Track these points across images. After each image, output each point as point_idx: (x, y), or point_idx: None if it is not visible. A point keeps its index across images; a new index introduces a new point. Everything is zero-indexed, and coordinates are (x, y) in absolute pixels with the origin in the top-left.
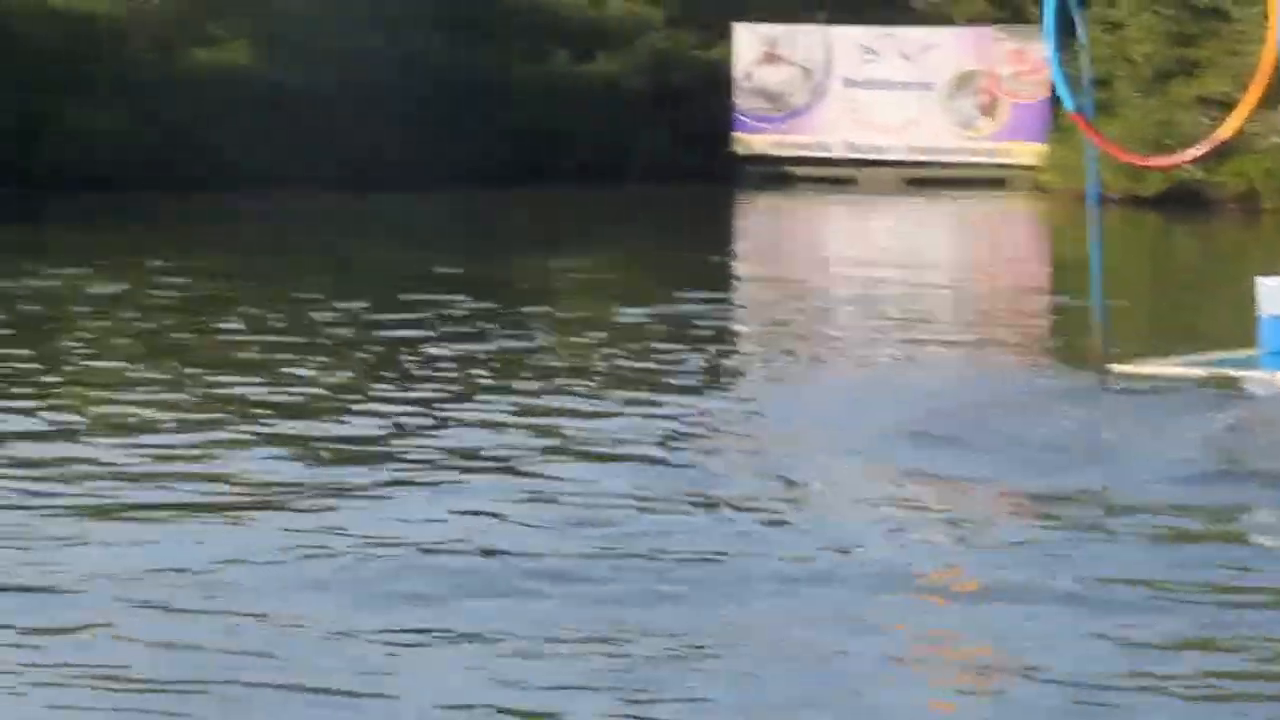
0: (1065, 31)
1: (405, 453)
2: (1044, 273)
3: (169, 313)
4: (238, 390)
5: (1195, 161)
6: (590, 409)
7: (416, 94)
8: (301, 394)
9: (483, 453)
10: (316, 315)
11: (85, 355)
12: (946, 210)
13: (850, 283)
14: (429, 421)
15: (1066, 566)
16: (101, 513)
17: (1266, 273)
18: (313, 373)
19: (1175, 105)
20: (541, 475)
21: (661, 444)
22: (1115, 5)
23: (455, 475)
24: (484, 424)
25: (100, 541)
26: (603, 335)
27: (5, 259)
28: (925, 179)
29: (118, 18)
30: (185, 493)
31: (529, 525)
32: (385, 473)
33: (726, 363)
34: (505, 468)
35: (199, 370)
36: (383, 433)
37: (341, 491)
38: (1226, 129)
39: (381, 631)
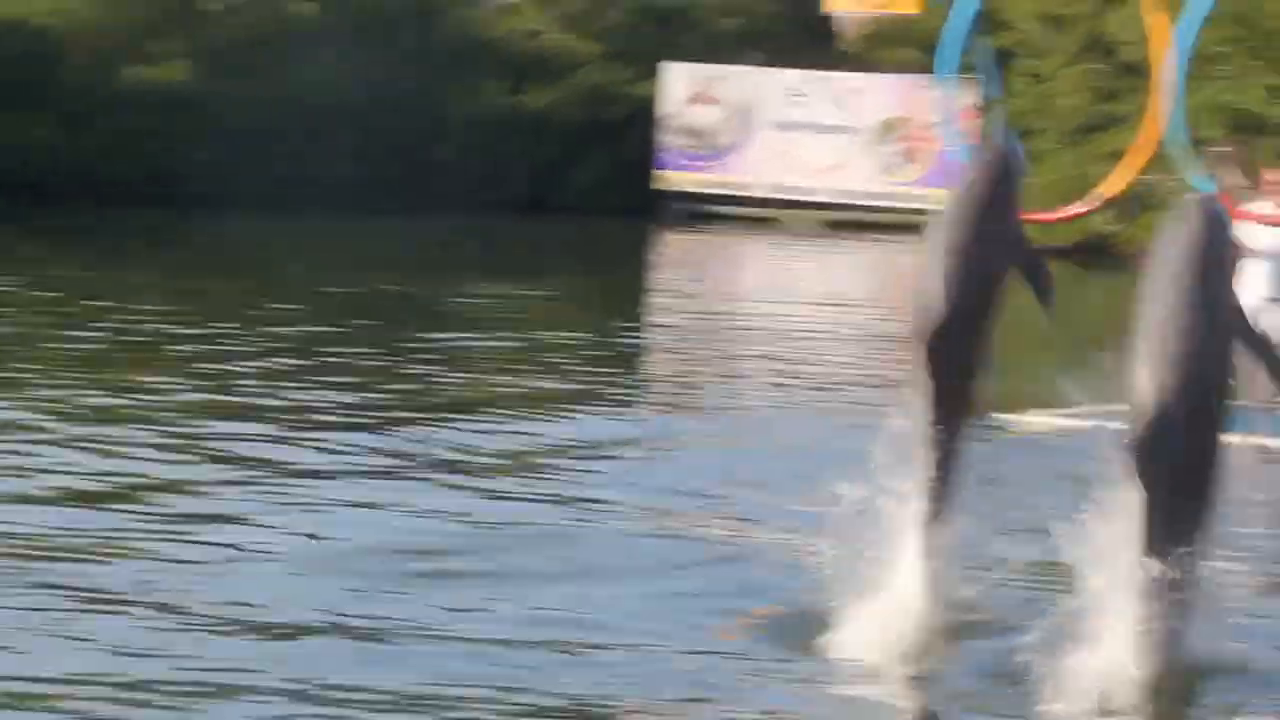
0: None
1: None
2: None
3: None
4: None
5: (1076, 217)
6: (475, 429)
7: (350, 120)
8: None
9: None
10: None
11: None
12: (866, 253)
13: (760, 320)
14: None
15: None
16: None
17: None
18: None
19: (1093, 158)
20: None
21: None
22: (1043, 58)
23: (293, 487)
24: (319, 447)
25: None
26: (510, 361)
27: None
28: (847, 222)
29: (56, 29)
30: None
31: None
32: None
33: (616, 391)
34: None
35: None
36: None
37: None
38: (1109, 187)
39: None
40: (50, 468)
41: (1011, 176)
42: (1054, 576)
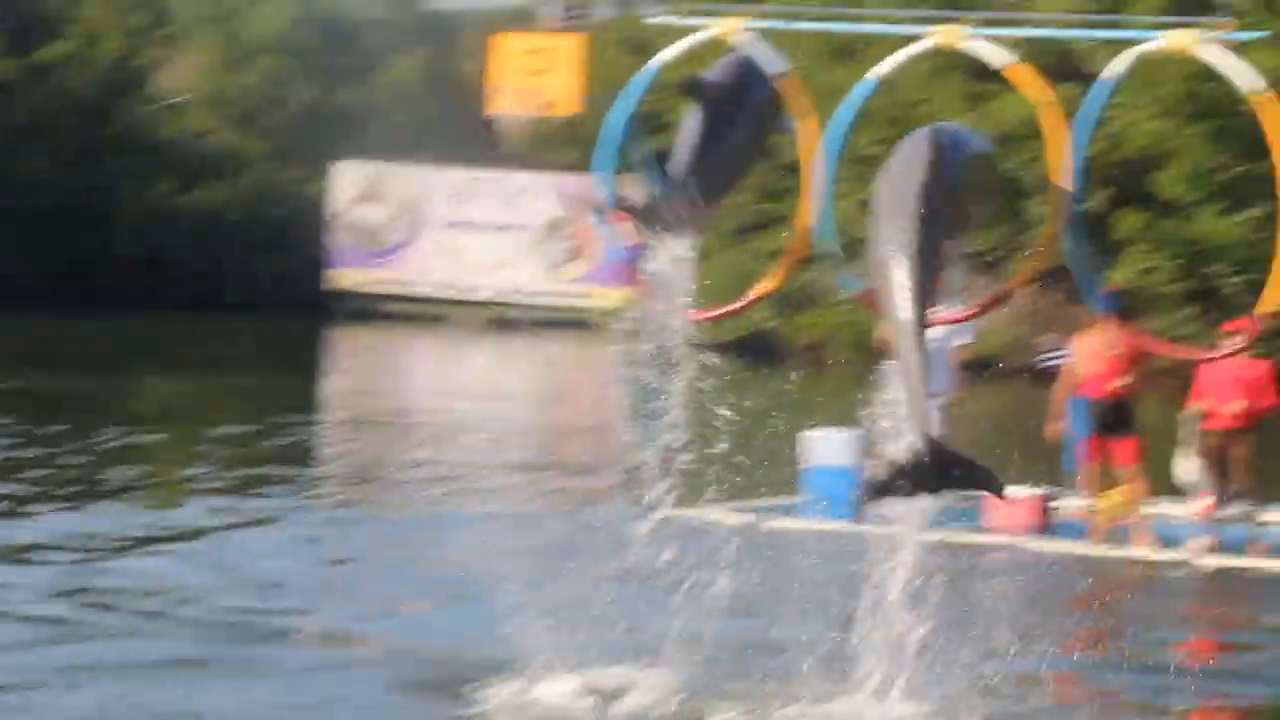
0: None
1: None
2: (612, 412)
3: None
4: None
5: (736, 313)
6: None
7: (18, 215)
8: None
9: None
10: None
11: None
12: (531, 350)
13: (423, 415)
14: None
15: None
16: None
17: (830, 424)
18: None
19: (758, 256)
20: None
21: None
22: None
23: None
24: None
25: None
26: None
27: None
28: (513, 319)
29: None
30: None
31: None
32: None
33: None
34: None
35: None
36: None
37: None
38: (761, 288)
39: None
40: None
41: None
42: None
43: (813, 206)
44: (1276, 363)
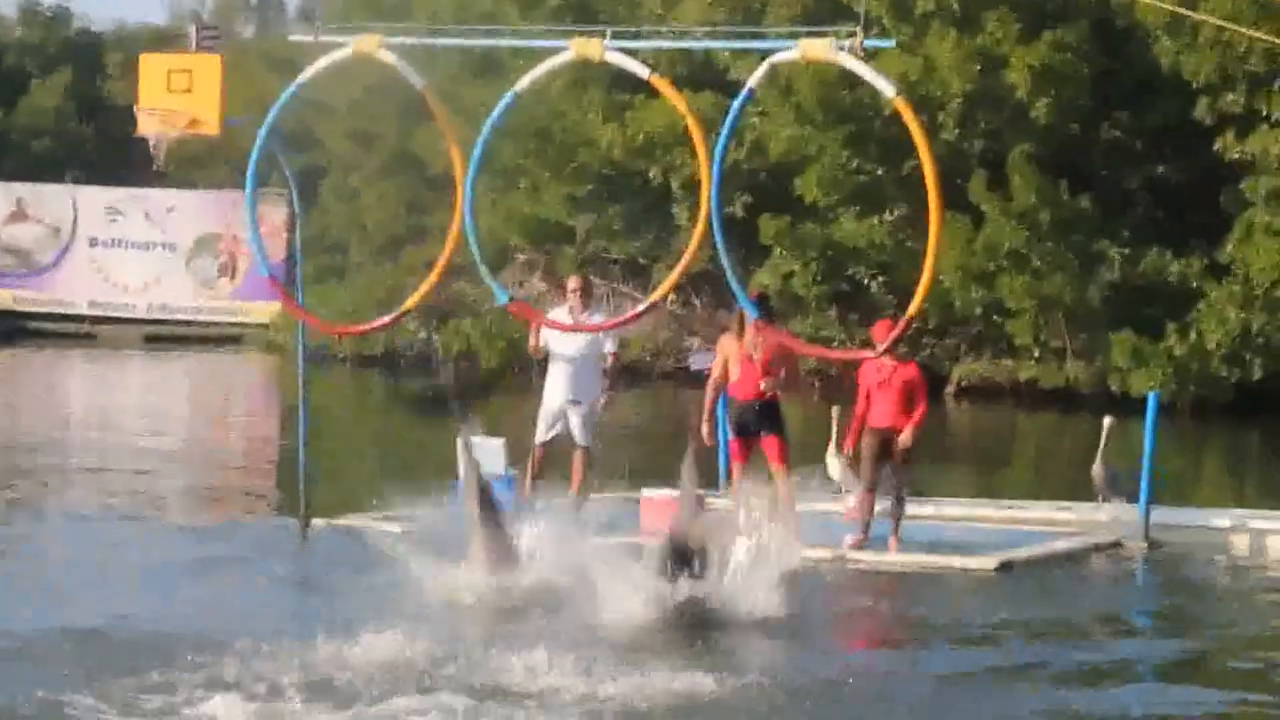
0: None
1: None
2: (265, 427)
3: None
4: None
5: (384, 327)
6: None
7: None
8: None
9: None
10: None
11: None
12: (184, 367)
13: (75, 437)
14: None
15: None
16: None
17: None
18: None
19: (404, 270)
20: None
21: None
22: (350, 175)
23: None
24: None
25: None
26: None
27: None
28: (165, 336)
29: None
30: None
31: None
32: None
33: None
34: None
35: None
36: None
37: None
38: (415, 298)
39: None
40: None
41: None
42: None
43: (462, 218)
44: (922, 363)
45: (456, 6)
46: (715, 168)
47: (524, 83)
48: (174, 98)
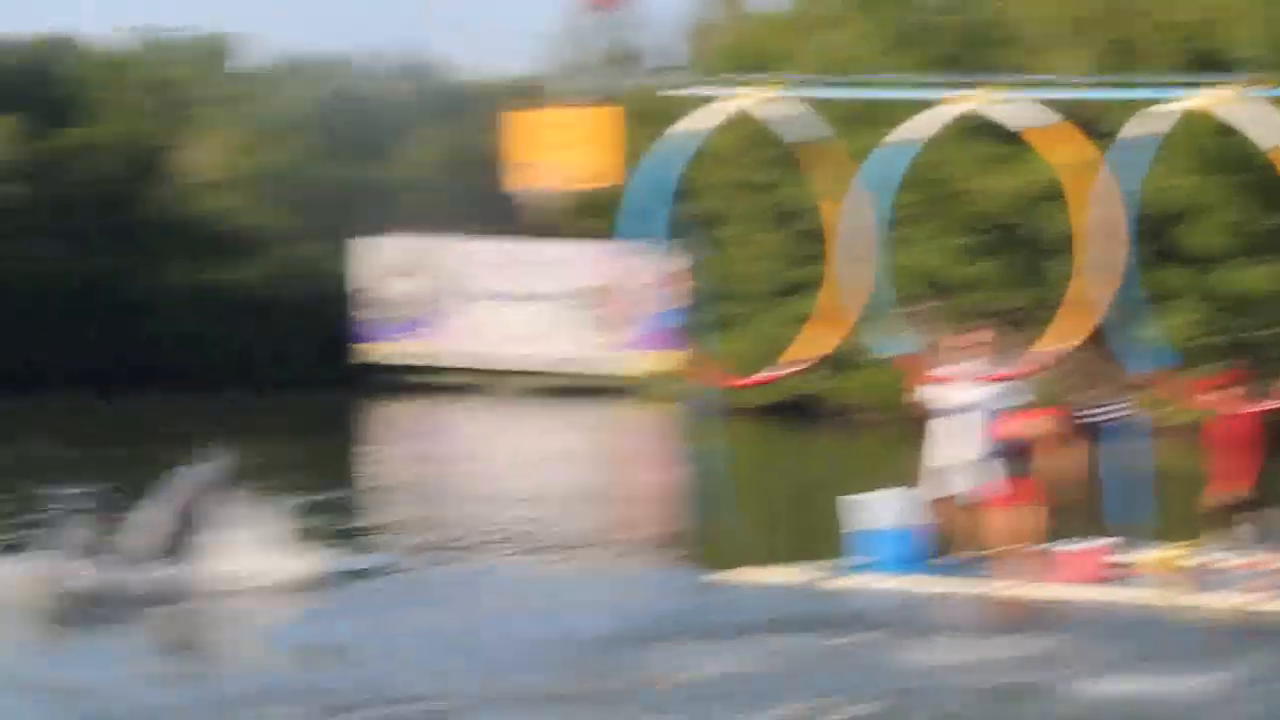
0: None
1: None
2: (660, 480)
3: None
4: None
5: (775, 380)
6: None
7: (59, 297)
8: None
9: None
10: None
11: None
12: (570, 419)
13: (472, 486)
14: None
15: None
16: None
17: (866, 487)
18: None
19: (785, 321)
20: None
21: None
22: (733, 225)
23: None
24: None
25: None
26: None
27: None
28: (552, 388)
29: None
30: None
31: None
32: None
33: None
34: None
35: None
36: None
37: None
38: (802, 351)
39: None
40: None
41: None
42: None
43: (839, 270)
44: None
45: (824, 59)
46: (1126, 216)
47: (919, 131)
48: (553, 152)
